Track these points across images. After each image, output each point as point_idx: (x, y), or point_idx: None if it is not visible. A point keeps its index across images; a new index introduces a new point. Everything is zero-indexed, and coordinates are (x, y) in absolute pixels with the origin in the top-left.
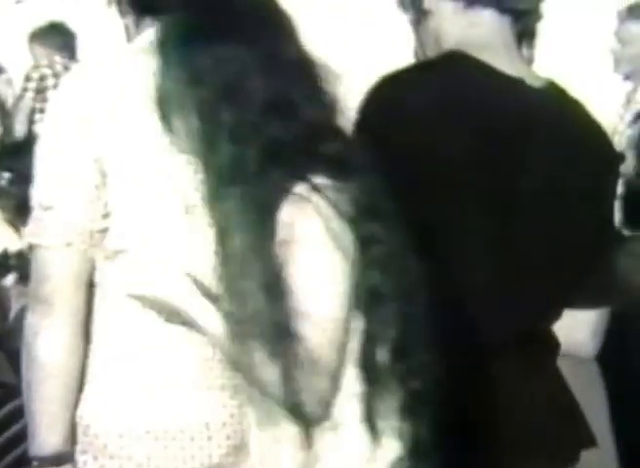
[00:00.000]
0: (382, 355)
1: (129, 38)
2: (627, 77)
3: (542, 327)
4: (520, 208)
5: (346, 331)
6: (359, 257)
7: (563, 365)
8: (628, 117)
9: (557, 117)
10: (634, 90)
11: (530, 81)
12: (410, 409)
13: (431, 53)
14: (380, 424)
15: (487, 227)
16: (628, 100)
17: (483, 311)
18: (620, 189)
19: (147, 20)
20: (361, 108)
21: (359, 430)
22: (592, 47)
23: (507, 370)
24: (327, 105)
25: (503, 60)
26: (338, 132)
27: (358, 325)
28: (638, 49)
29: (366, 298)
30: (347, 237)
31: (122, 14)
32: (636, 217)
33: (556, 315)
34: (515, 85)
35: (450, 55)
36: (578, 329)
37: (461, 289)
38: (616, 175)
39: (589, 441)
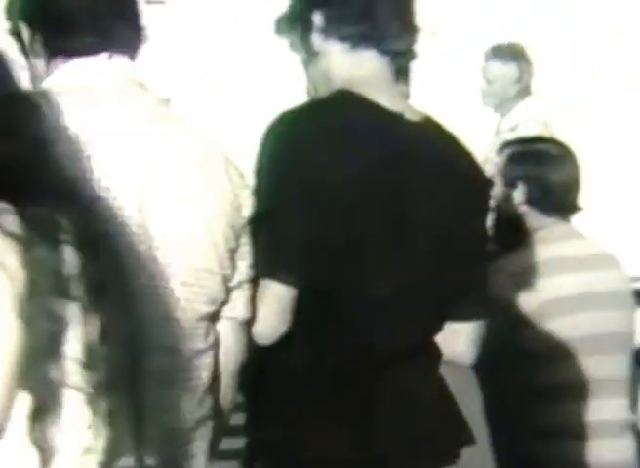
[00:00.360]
0: (56, 372)
1: (34, 78)
2: (496, 110)
3: (428, 338)
4: (407, 233)
5: (15, 351)
6: (29, 278)
7: (444, 371)
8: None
9: (434, 148)
10: (502, 121)
11: (409, 115)
12: (106, 424)
13: (322, 91)
14: (59, 441)
15: (379, 251)
16: (498, 131)
17: (377, 325)
18: (491, 212)
19: (59, 61)
20: (262, 143)
21: (28, 451)
22: (469, 82)
23: (398, 378)
24: (21, 138)
25: (385, 97)
26: (34, 162)
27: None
28: (501, 86)
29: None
30: (12, 257)
31: (33, 53)
32: (505, 237)
33: (439, 327)
34: (396, 119)
35: (339, 93)
36: (457, 339)
37: (357, 305)
38: (486, 199)
39: (469, 439)
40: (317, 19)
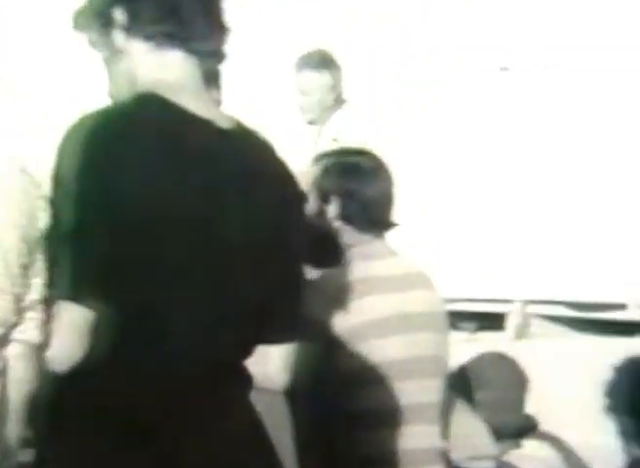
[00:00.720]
0: None
1: None
2: (311, 123)
3: (238, 362)
4: (216, 251)
5: None
6: None
7: (255, 397)
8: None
9: (245, 158)
10: (320, 131)
11: (219, 122)
12: None
13: (125, 93)
14: None
15: (186, 270)
16: (316, 141)
17: (183, 350)
18: (305, 228)
19: None
20: (59, 151)
21: None
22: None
23: (204, 403)
24: None
25: (194, 101)
26: None
27: None
28: (318, 96)
29: None
30: None
31: None
32: (320, 255)
33: (250, 350)
34: (205, 126)
35: (143, 96)
36: (269, 363)
37: (162, 329)
38: (300, 213)
39: None
40: (118, 15)
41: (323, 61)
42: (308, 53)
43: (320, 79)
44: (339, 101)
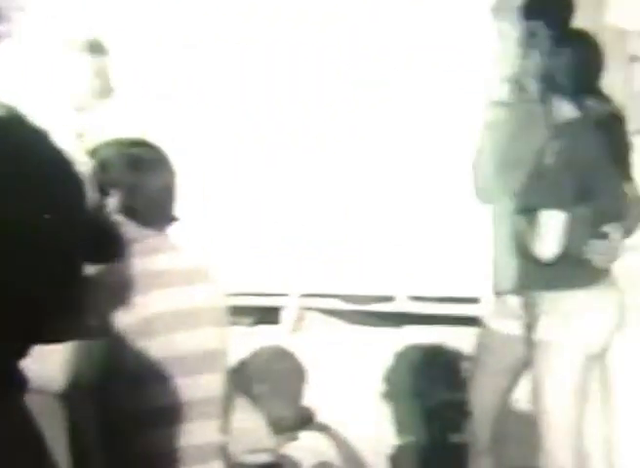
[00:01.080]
0: None
1: None
2: (79, 109)
3: (10, 362)
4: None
5: None
6: None
7: (31, 400)
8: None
9: (20, 146)
10: (88, 121)
11: None
12: None
13: None
14: None
15: None
16: (83, 132)
17: None
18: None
19: None
20: None
21: None
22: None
23: None
24: None
25: None
26: None
27: None
28: (85, 82)
29: None
30: None
31: None
32: (100, 251)
33: (25, 350)
34: None
35: None
36: (47, 364)
37: None
38: (80, 206)
39: None
40: None
41: (92, 46)
42: (77, 36)
43: (90, 64)
44: (108, 90)
